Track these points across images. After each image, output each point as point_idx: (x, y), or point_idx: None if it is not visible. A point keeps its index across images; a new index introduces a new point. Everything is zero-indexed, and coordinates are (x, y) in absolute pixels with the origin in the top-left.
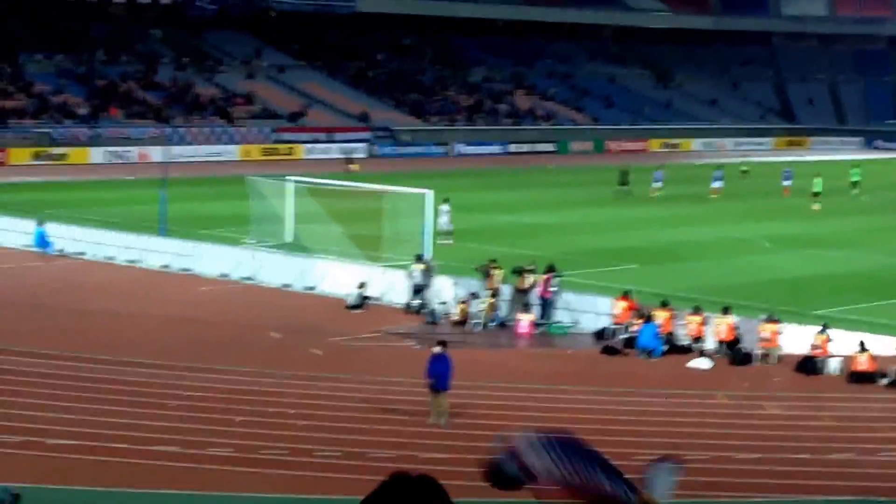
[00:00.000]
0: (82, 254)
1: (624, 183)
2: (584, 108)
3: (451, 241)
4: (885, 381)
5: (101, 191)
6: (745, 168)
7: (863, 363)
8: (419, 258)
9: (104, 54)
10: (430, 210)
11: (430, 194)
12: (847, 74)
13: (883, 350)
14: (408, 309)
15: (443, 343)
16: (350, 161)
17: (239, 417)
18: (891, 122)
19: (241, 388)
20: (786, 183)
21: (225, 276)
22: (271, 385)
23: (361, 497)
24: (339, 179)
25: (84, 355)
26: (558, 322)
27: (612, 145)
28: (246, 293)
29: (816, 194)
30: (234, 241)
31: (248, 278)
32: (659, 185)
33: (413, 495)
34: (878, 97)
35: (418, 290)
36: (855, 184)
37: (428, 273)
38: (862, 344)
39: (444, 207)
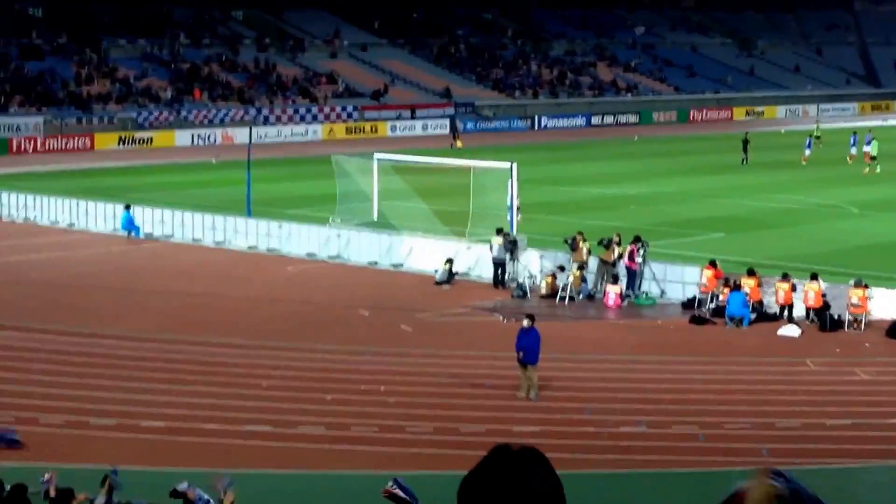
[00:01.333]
0: (170, 236)
1: (745, 150)
2: (666, 79)
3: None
4: None
5: (187, 174)
6: (817, 134)
7: None
8: (499, 231)
9: (186, 37)
10: (515, 184)
11: (514, 167)
12: None
13: None
14: (495, 283)
15: (531, 317)
16: (456, 136)
17: (330, 396)
18: None
19: (331, 366)
20: (866, 148)
21: (312, 255)
22: (362, 363)
23: (455, 472)
24: (445, 156)
25: (174, 336)
26: (645, 293)
27: (696, 115)
28: (333, 272)
29: (874, 158)
30: (320, 221)
31: (336, 257)
32: (808, 151)
33: (518, 467)
34: None
35: (499, 265)
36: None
37: (507, 247)
38: None
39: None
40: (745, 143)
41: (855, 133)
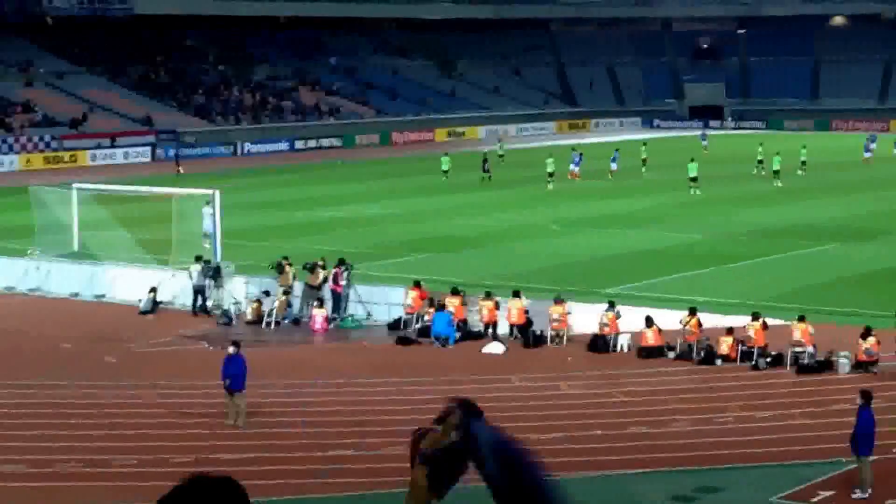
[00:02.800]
0: None
1: (485, 170)
2: (369, 101)
3: (208, 245)
4: (672, 355)
5: None
6: (501, 153)
7: (650, 338)
8: (198, 259)
9: None
10: (217, 210)
11: (217, 195)
12: (625, 57)
13: (669, 324)
14: (193, 311)
15: (236, 343)
16: (178, 163)
17: (32, 431)
18: (668, 100)
19: (33, 401)
20: (573, 167)
21: (10, 289)
22: (65, 396)
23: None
24: (169, 184)
25: None
26: (351, 315)
27: (399, 137)
28: (34, 305)
29: (550, 174)
30: (18, 253)
31: (36, 290)
32: (575, 168)
33: (208, 497)
34: (656, 78)
35: (198, 291)
36: (644, 161)
37: (207, 273)
38: (648, 319)
39: (207, 210)
40: (485, 160)
41: (617, 149)
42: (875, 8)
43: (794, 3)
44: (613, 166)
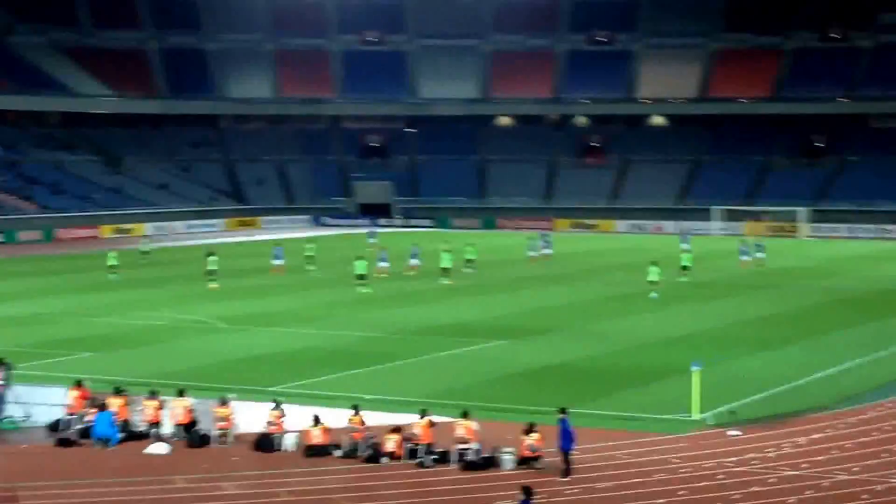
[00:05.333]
0: None
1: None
2: (32, 196)
3: None
4: (339, 453)
5: None
6: (146, 250)
7: (317, 436)
8: None
9: None
10: None
11: None
12: (294, 154)
13: (336, 422)
14: None
15: None
16: None
17: None
18: (336, 198)
19: None
20: (277, 262)
21: None
22: None
23: None
24: None
25: None
26: (9, 417)
27: (63, 233)
28: None
29: (212, 272)
30: None
31: None
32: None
33: None
34: (324, 175)
35: None
36: (310, 258)
37: None
38: (316, 417)
39: None
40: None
41: (415, 244)
42: (539, 109)
43: (461, 104)
44: (277, 262)
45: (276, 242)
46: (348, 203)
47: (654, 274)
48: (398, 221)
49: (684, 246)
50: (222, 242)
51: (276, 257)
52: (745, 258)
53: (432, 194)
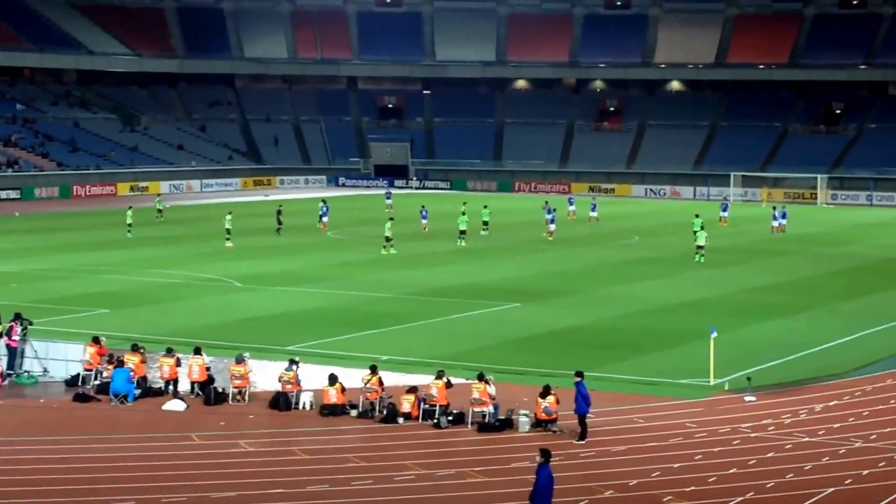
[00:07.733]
0: None
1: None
2: (48, 154)
3: None
4: (354, 413)
5: None
6: (159, 208)
7: (333, 396)
8: None
9: None
10: None
11: None
12: (310, 114)
13: (352, 382)
14: None
15: None
16: None
17: None
18: (353, 159)
19: None
20: (325, 219)
21: None
22: None
23: None
24: None
25: None
26: (27, 371)
27: (79, 190)
28: None
29: (227, 231)
30: None
31: None
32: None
33: None
34: (340, 136)
35: None
36: (321, 217)
37: None
38: (332, 377)
39: None
40: (279, 212)
41: (423, 207)
42: (556, 73)
43: (478, 66)
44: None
45: (323, 200)
46: (364, 164)
47: (701, 238)
48: (415, 183)
49: (724, 214)
50: (235, 202)
51: (324, 214)
52: (775, 223)
53: (448, 157)
